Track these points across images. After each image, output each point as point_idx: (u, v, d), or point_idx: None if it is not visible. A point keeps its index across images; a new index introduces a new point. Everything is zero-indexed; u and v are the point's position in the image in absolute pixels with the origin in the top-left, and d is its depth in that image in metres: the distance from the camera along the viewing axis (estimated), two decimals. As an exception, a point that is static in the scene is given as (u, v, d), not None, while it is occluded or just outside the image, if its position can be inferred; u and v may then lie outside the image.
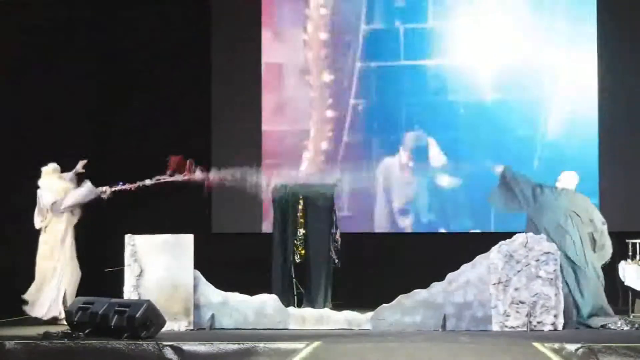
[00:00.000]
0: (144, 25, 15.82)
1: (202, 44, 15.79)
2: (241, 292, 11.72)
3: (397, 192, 15.40)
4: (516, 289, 11.20)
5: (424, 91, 15.43)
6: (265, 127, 15.62)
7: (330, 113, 15.67)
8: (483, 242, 11.64)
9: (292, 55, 15.73)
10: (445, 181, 15.26)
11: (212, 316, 11.52)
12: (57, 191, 12.52)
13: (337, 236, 12.78)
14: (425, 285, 11.48)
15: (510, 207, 12.09)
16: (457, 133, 15.32)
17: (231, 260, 14.42)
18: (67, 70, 15.09)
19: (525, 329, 11.10)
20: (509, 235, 11.52)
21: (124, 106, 15.87)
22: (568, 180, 11.96)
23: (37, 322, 12.10)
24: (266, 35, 15.76)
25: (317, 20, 15.76)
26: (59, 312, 12.14)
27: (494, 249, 11.34)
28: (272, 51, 15.77)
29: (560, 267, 11.31)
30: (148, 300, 10.64)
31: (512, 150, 15.07)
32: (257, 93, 15.66)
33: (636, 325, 11.43)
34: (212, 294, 11.64)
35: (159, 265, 11.50)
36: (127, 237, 11.70)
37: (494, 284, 11.24)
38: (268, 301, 11.66)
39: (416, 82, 15.46)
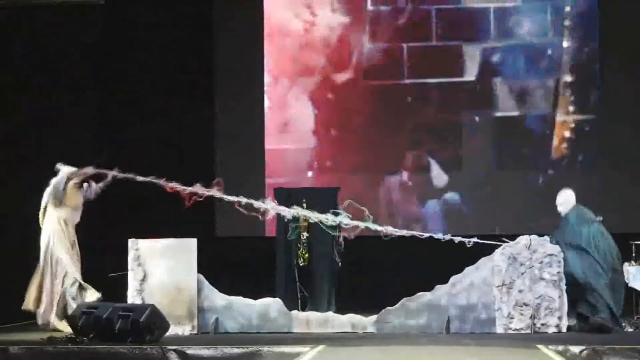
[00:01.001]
0: (149, 37, 15.89)
1: (205, 62, 15.86)
2: (245, 296, 11.71)
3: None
4: (520, 291, 11.19)
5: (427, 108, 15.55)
6: (268, 145, 15.72)
7: (334, 131, 15.75)
8: (486, 244, 11.62)
9: (295, 72, 15.81)
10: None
11: (216, 320, 11.51)
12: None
13: (341, 239, 12.77)
14: (429, 287, 11.48)
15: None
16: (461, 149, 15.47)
17: (235, 263, 14.43)
18: (67, 78, 15.12)
19: (529, 331, 11.08)
20: (512, 237, 11.51)
21: (124, 123, 15.89)
22: (571, 198, 11.71)
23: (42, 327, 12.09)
24: (270, 50, 15.85)
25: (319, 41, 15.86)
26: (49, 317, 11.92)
27: (498, 251, 11.34)
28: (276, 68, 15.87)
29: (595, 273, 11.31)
30: (152, 305, 10.64)
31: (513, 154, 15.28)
32: (261, 111, 15.75)
33: (641, 327, 11.44)
34: (216, 298, 11.63)
35: (163, 270, 11.50)
36: (131, 242, 11.70)
37: (498, 286, 11.23)
38: (272, 305, 11.65)
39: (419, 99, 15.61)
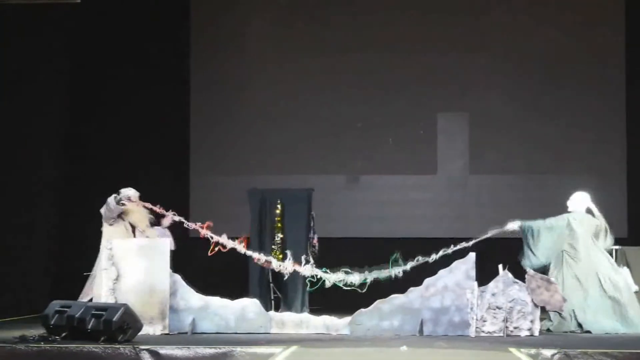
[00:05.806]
0: (125, 37, 15.91)
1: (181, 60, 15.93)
2: (222, 297, 11.68)
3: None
4: (493, 295, 11.23)
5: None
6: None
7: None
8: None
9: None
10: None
11: (193, 320, 11.47)
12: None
13: (315, 241, 12.79)
14: (402, 290, 11.50)
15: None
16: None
17: (209, 264, 14.37)
18: (41, 77, 15.09)
19: (501, 334, 11.14)
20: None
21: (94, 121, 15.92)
22: (581, 201, 12.12)
23: (13, 325, 12.04)
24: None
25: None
26: None
27: (472, 254, 11.38)
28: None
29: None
30: (125, 304, 10.61)
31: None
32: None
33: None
34: (192, 298, 11.58)
35: (136, 269, 11.45)
36: (105, 242, 11.67)
37: (471, 289, 11.27)
38: (249, 306, 11.63)
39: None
